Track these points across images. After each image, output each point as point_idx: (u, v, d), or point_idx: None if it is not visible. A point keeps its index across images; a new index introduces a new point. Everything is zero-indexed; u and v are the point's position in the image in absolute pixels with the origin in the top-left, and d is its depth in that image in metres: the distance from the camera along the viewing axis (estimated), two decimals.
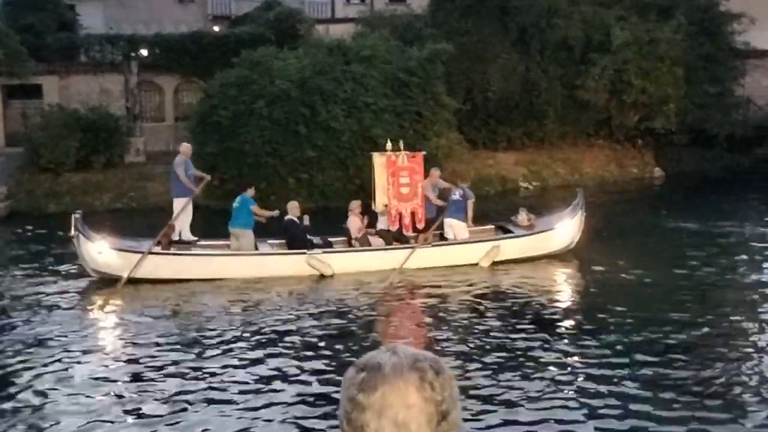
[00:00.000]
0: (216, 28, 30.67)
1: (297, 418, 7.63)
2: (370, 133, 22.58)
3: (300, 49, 24.32)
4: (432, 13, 28.02)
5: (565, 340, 9.98)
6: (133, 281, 13.03)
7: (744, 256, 14.91)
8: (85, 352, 9.87)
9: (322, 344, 9.98)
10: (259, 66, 23.16)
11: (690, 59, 27.46)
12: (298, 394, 8.20)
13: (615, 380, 8.39)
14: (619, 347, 9.50)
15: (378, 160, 14.94)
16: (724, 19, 29.38)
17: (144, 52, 27.53)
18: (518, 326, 10.53)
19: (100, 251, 13.31)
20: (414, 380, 1.41)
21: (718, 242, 16.29)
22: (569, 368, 8.88)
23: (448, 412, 1.43)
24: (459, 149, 24.06)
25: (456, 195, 14.90)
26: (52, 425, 7.58)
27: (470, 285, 13.06)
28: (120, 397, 8.34)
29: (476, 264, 14.18)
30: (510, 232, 15.13)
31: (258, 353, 9.59)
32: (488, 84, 26.47)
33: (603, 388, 8.14)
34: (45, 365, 9.31)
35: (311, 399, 8.07)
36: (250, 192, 14.65)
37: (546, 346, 9.63)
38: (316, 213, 15.19)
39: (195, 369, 9.07)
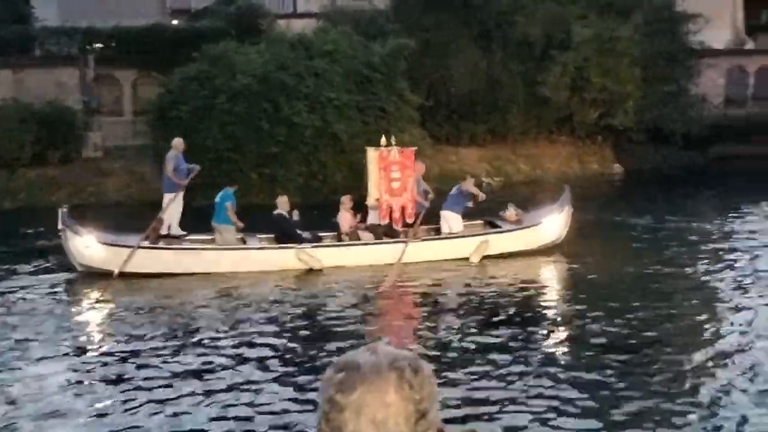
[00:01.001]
0: (175, 22, 30.34)
1: (281, 414, 7.57)
2: (333, 129, 22.57)
3: (262, 44, 24.16)
4: (394, 9, 28.07)
5: (544, 336, 10.11)
6: (120, 275, 12.98)
7: (704, 251, 15.20)
8: (65, 349, 9.74)
9: (309, 340, 9.92)
10: (220, 61, 22.98)
11: (648, 58, 27.89)
12: (284, 391, 8.16)
13: (588, 373, 8.52)
14: (593, 341, 9.63)
15: (371, 154, 15.05)
16: (681, 19, 29.88)
17: (101, 46, 27.13)
18: (502, 322, 10.59)
19: (88, 245, 13.27)
20: (392, 379, 1.40)
21: (679, 237, 16.54)
22: (547, 361, 9.00)
23: (426, 411, 1.42)
24: (422, 145, 24.12)
25: (455, 189, 15.18)
26: (34, 423, 7.44)
27: (459, 280, 13.11)
28: (100, 392, 8.24)
29: (466, 259, 14.26)
30: (498, 227, 15.26)
31: (244, 349, 9.54)
32: (451, 80, 26.60)
33: (579, 381, 8.26)
34: (21, 361, 9.18)
35: (296, 396, 8.01)
36: (232, 188, 14.71)
37: (527, 341, 9.70)
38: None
39: (179, 364, 9.01)
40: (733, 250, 15.30)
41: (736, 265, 13.84)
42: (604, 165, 29.07)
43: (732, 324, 10.41)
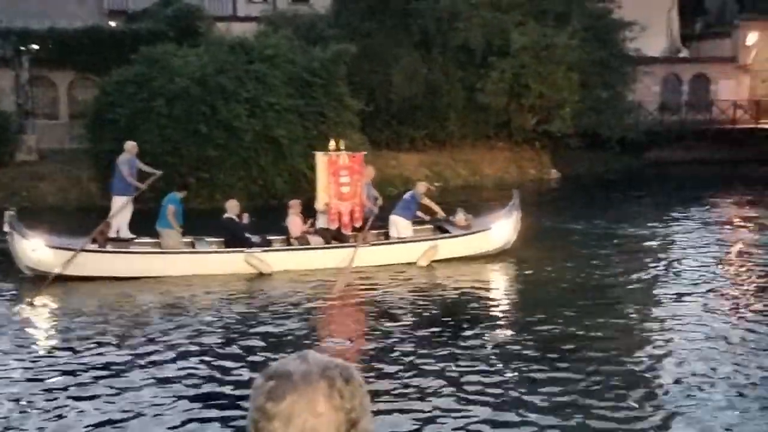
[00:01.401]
0: (112, 24, 29.77)
1: (219, 419, 7.53)
2: (273, 133, 22.44)
3: (201, 47, 23.87)
4: (335, 14, 28.04)
5: (485, 340, 10.16)
6: (67, 279, 12.75)
7: (638, 254, 15.52)
8: (5, 352, 9.57)
9: (255, 345, 9.82)
10: (159, 63, 22.64)
11: (585, 65, 28.33)
12: (224, 396, 8.12)
13: (528, 373, 8.69)
14: (533, 344, 9.78)
15: (320, 159, 14.99)
16: (617, 27, 30.48)
17: (36, 47, 26.44)
18: (446, 326, 10.66)
19: (35, 249, 13.02)
20: (323, 388, 1.39)
21: (614, 242, 16.84)
22: (488, 365, 9.08)
23: (357, 420, 1.42)
24: (363, 150, 24.12)
25: (407, 195, 15.19)
26: None
27: (406, 285, 13.12)
28: (36, 396, 8.09)
29: (414, 263, 14.26)
30: (447, 231, 15.28)
31: (186, 354, 9.45)
32: (391, 85, 26.66)
33: (519, 383, 8.41)
34: None
35: (235, 403, 7.94)
36: (180, 194, 14.55)
37: (468, 346, 9.75)
38: (215, 213, 15.08)
39: (119, 368, 8.91)
40: (664, 251, 15.80)
41: (665, 266, 14.27)
42: (541, 170, 29.44)
43: (663, 322, 10.80)
